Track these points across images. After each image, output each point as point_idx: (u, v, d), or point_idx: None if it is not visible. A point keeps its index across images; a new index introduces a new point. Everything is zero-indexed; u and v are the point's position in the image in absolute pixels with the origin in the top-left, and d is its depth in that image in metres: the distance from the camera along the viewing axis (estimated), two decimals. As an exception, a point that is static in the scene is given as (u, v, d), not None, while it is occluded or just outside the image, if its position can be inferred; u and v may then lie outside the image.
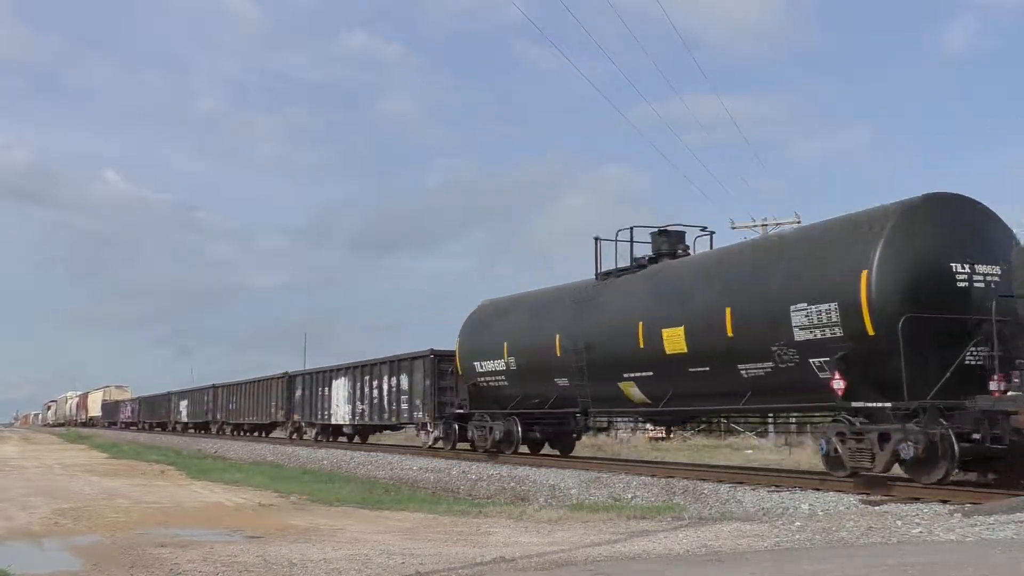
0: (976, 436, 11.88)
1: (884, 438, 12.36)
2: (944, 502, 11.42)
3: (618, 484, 15.42)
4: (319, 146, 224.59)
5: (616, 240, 18.75)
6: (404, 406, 26.48)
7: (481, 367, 22.07)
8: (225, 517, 12.43)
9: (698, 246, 18.51)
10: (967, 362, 11.95)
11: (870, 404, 12.55)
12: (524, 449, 22.49)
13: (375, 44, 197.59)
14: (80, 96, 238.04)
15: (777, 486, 13.99)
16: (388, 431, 32.12)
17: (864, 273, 12.36)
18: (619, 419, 24.07)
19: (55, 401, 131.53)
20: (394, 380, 27.08)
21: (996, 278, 12.38)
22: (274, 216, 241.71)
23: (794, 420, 22.14)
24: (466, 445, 23.74)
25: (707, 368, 15.17)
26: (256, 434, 44.09)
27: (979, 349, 11.92)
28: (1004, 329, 11.60)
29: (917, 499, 11.85)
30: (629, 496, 14.39)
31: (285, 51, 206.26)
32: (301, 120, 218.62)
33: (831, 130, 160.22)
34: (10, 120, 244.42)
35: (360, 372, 30.13)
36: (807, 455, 24.22)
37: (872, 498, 12.23)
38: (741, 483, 14.51)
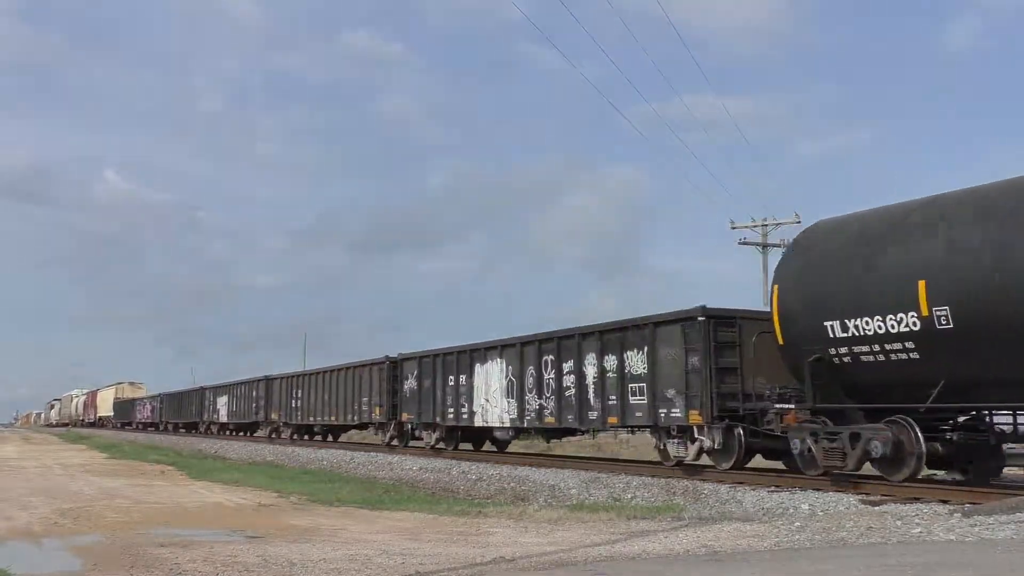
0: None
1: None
2: (944, 502, 11.42)
3: (618, 484, 15.43)
4: (320, 146, 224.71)
5: None
6: (636, 399, 16.87)
7: (843, 329, 12.64)
8: (225, 517, 12.43)
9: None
10: None
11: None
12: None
13: (376, 44, 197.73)
14: (80, 96, 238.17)
15: (777, 486, 13.99)
16: (569, 436, 22.60)
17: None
18: None
19: (59, 400, 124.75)
20: (611, 359, 17.58)
21: None
22: (275, 216, 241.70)
23: None
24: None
25: None
26: (330, 439, 35.36)
27: None
28: None
29: (917, 499, 11.86)
30: (629, 496, 14.39)
31: (286, 51, 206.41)
32: (302, 120, 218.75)
33: (831, 130, 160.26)
34: (10, 120, 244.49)
35: (534, 349, 20.07)
36: None
37: (872, 498, 12.24)
38: (741, 483, 14.51)
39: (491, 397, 21.83)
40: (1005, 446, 12.77)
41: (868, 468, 12.99)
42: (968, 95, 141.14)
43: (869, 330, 12.32)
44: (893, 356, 12.10)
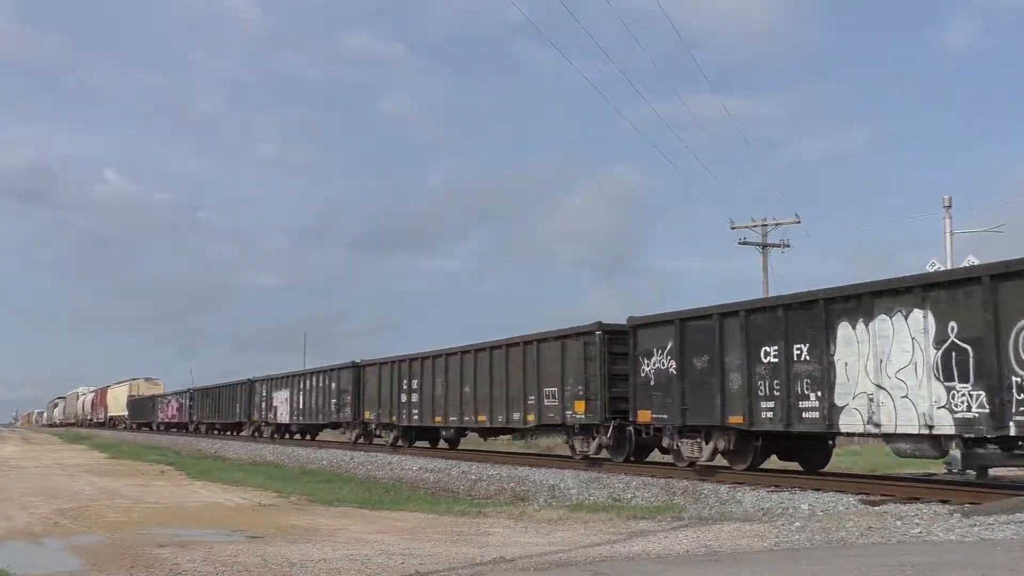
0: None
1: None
2: (944, 502, 11.44)
3: (618, 484, 15.43)
4: (320, 146, 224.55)
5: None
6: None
7: None
8: (225, 517, 12.43)
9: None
10: None
11: None
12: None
13: (376, 44, 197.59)
14: (81, 96, 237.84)
15: (777, 486, 14.00)
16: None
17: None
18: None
19: (63, 398, 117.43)
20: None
21: None
22: (275, 216, 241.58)
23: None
24: None
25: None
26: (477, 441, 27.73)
27: None
28: None
29: (917, 499, 11.87)
30: (629, 496, 14.40)
31: (286, 50, 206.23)
32: (302, 120, 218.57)
33: (831, 130, 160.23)
34: (11, 120, 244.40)
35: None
36: None
37: (872, 498, 12.26)
38: (741, 483, 14.52)
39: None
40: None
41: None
42: (967, 95, 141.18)
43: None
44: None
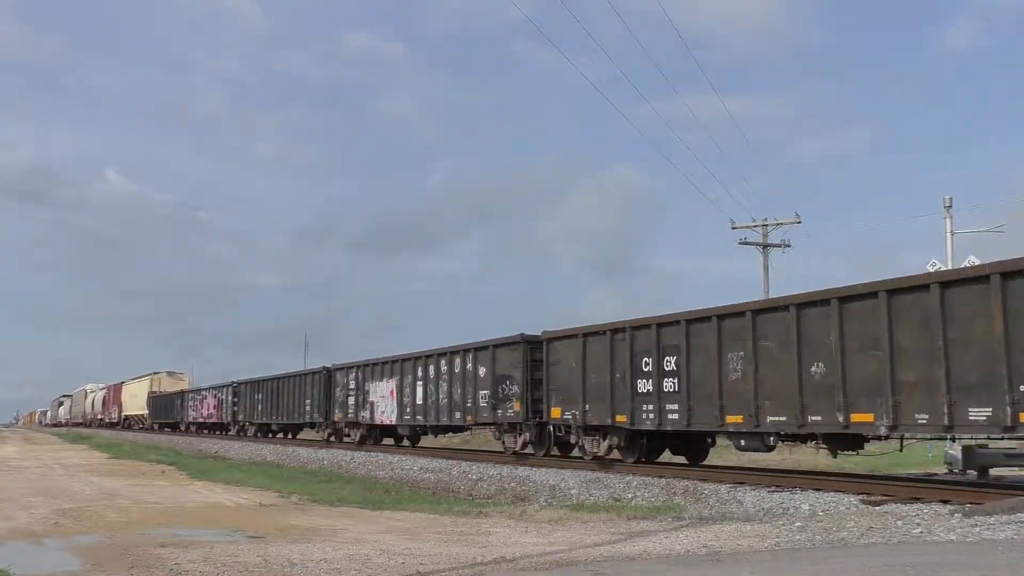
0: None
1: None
2: (945, 502, 11.43)
3: (618, 484, 15.43)
4: (320, 146, 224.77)
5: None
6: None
7: None
8: (226, 517, 12.43)
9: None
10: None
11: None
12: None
13: (376, 44, 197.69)
14: (81, 95, 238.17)
15: (777, 486, 14.00)
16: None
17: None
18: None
19: (69, 396, 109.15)
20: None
21: None
22: (275, 216, 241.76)
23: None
24: None
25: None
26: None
27: None
28: None
29: (917, 499, 11.87)
30: (629, 496, 14.39)
31: (286, 50, 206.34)
32: (302, 120, 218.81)
33: (831, 130, 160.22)
34: (11, 120, 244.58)
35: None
36: (807, 455, 24.23)
37: (872, 498, 12.25)
38: (741, 483, 14.52)
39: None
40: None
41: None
42: (968, 95, 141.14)
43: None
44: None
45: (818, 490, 13.25)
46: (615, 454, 18.54)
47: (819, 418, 13.29)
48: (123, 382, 75.42)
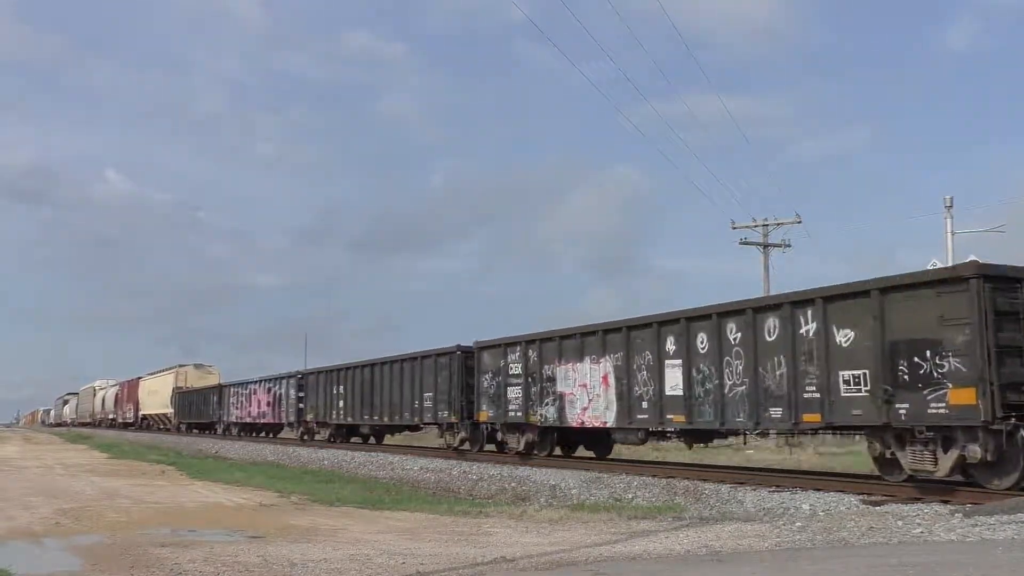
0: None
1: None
2: (945, 502, 11.42)
3: (619, 484, 15.42)
4: (320, 146, 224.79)
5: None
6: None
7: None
8: (226, 517, 12.42)
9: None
10: None
11: None
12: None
13: (376, 44, 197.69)
14: (81, 95, 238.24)
15: (778, 486, 13.99)
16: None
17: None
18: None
19: (75, 394, 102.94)
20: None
21: None
22: (275, 216, 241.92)
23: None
24: None
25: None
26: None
27: None
28: None
29: (918, 499, 11.86)
30: (630, 496, 14.39)
31: (286, 50, 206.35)
32: (302, 120, 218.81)
33: (831, 130, 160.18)
34: (11, 119, 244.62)
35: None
36: (808, 455, 24.25)
37: (873, 498, 12.24)
38: (742, 483, 14.52)
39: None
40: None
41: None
42: (968, 95, 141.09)
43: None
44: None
45: (819, 490, 13.24)
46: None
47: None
48: (140, 377, 67.10)
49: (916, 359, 11.71)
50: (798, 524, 10.23)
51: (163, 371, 62.21)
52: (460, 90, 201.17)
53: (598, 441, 21.03)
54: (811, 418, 13.27)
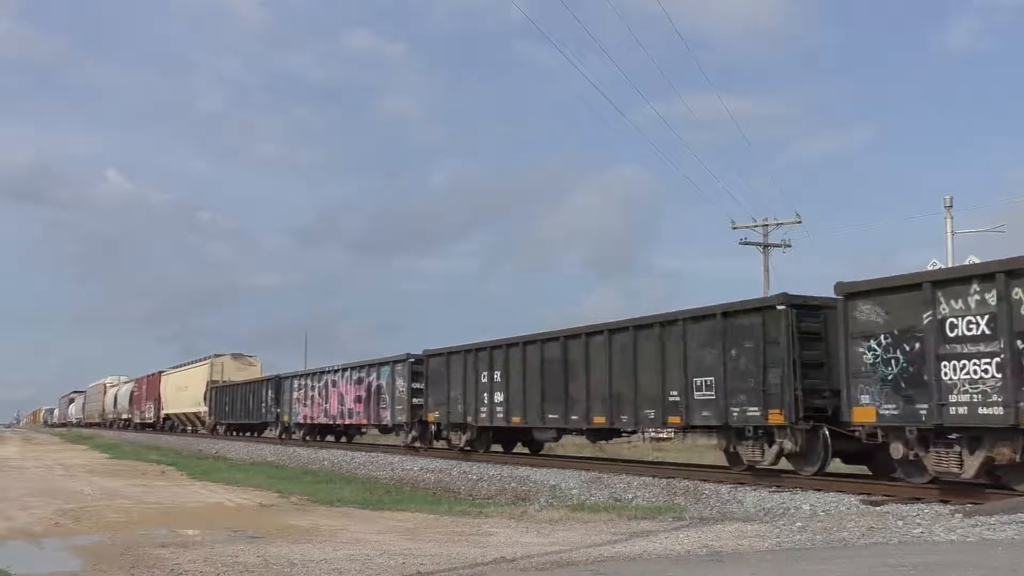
0: None
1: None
2: (945, 502, 11.42)
3: (619, 484, 15.42)
4: (321, 146, 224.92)
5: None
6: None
7: None
8: (226, 517, 12.42)
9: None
10: None
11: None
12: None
13: (378, 43, 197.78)
14: (82, 95, 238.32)
15: (778, 486, 13.99)
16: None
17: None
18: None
19: (81, 392, 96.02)
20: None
21: None
22: (276, 216, 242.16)
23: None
24: None
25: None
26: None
27: None
28: None
29: (918, 499, 11.85)
30: (630, 496, 14.38)
31: (287, 50, 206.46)
32: (303, 119, 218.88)
33: (831, 130, 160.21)
34: (12, 119, 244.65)
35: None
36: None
37: (873, 498, 12.24)
38: (742, 483, 14.51)
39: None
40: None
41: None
42: (968, 95, 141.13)
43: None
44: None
45: (819, 490, 13.24)
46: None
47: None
48: (161, 371, 58.78)
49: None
50: (798, 524, 10.23)
51: (192, 363, 52.70)
52: (461, 90, 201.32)
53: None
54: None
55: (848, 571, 7.18)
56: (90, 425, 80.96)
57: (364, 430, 31.96)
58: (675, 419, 15.62)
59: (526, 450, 24.11)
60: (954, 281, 11.52)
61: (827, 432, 13.54)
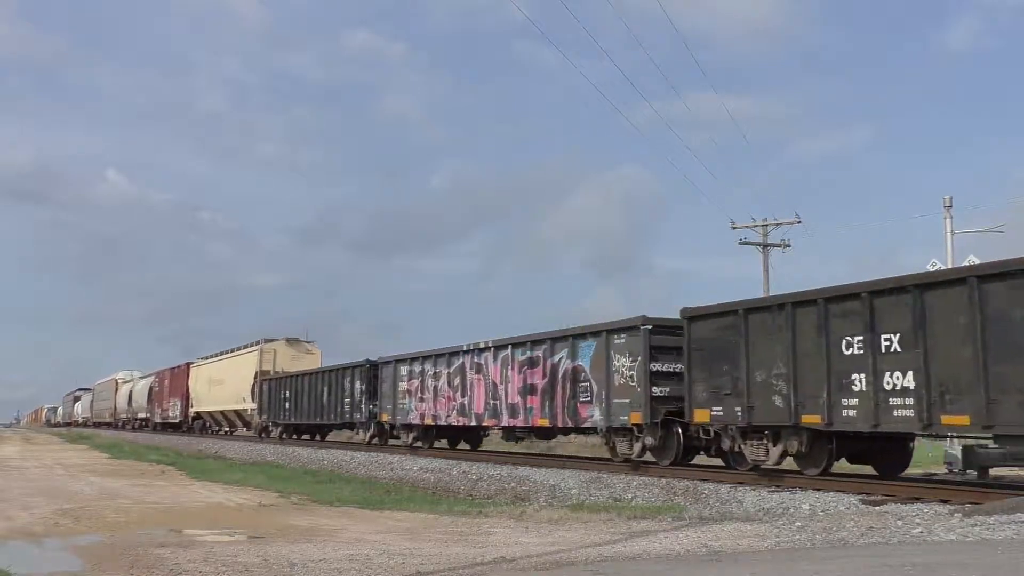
0: None
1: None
2: (944, 502, 11.43)
3: (618, 484, 15.42)
4: (321, 146, 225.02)
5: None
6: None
7: None
8: (226, 517, 12.43)
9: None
10: None
11: None
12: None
13: (378, 43, 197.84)
14: (82, 95, 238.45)
15: (777, 486, 13.99)
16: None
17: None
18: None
19: (88, 390, 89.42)
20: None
21: None
22: (276, 216, 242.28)
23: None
24: None
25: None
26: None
27: None
28: None
29: (917, 499, 11.86)
30: (629, 496, 14.39)
31: (287, 51, 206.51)
32: (303, 120, 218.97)
33: (831, 130, 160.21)
34: (12, 119, 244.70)
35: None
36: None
37: (873, 498, 12.25)
38: (741, 483, 14.52)
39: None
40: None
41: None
42: (968, 95, 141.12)
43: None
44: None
45: (818, 490, 13.24)
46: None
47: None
48: (189, 363, 50.21)
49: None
50: (798, 524, 10.23)
51: (234, 351, 43.60)
52: (461, 90, 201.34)
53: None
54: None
55: (848, 571, 7.18)
56: (99, 425, 75.10)
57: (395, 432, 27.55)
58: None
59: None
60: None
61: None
